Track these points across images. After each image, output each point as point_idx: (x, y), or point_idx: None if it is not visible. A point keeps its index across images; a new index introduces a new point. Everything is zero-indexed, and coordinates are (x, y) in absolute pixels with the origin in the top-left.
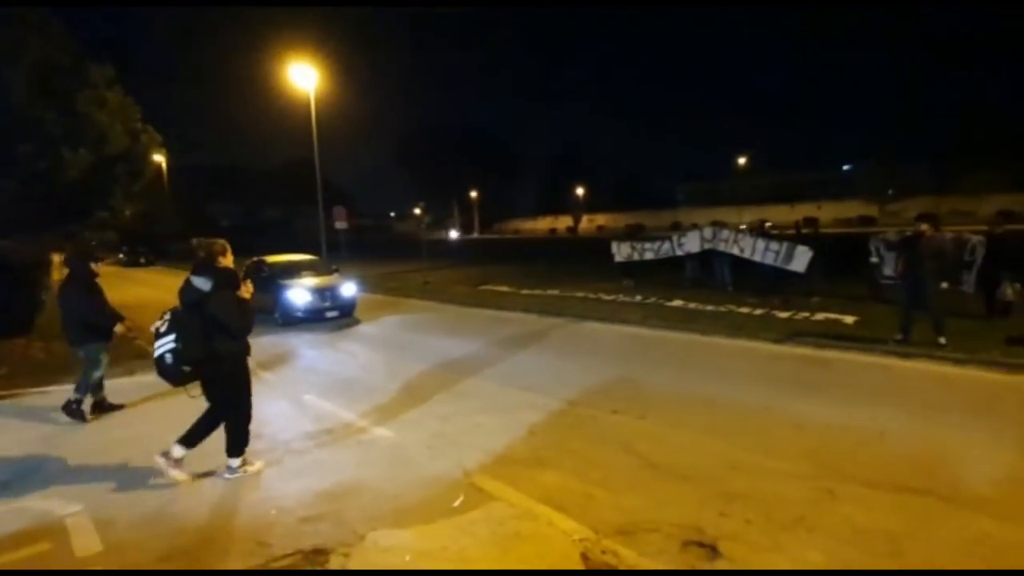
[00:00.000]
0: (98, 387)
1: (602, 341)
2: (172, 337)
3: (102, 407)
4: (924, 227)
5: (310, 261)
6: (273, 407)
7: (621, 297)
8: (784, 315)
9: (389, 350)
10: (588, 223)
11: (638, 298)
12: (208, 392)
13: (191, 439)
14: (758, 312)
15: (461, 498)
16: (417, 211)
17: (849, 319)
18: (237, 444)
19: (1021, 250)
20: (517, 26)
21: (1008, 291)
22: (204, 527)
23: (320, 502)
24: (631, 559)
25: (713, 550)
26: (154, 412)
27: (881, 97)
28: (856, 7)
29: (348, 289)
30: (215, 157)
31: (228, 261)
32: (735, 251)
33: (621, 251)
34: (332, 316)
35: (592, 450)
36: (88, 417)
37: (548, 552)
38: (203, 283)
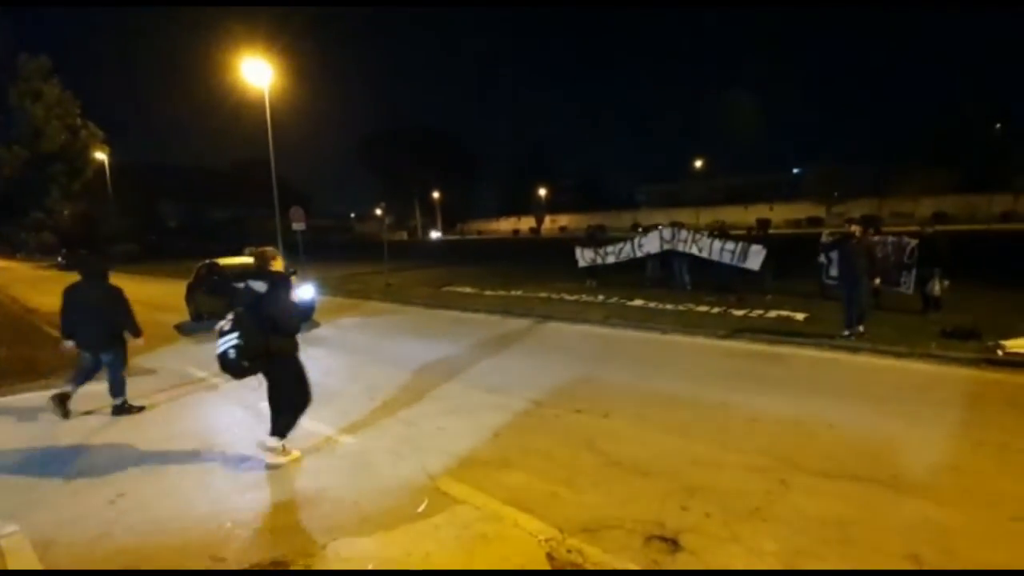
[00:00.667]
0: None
1: (565, 341)
2: (236, 335)
3: (65, 404)
4: (853, 228)
5: None
6: (228, 416)
7: (584, 297)
8: (740, 313)
9: (350, 354)
10: (551, 224)
11: (600, 298)
12: (271, 385)
13: (280, 428)
14: (715, 310)
15: (425, 503)
16: (378, 212)
17: (800, 316)
18: (282, 428)
19: (950, 249)
20: (482, 25)
21: (936, 287)
22: (152, 544)
23: (278, 513)
24: (596, 556)
25: (674, 543)
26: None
27: (830, 103)
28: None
29: (306, 292)
30: (163, 156)
31: (279, 265)
32: (693, 251)
33: (584, 256)
34: None
35: (556, 450)
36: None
37: (514, 553)
38: (260, 286)
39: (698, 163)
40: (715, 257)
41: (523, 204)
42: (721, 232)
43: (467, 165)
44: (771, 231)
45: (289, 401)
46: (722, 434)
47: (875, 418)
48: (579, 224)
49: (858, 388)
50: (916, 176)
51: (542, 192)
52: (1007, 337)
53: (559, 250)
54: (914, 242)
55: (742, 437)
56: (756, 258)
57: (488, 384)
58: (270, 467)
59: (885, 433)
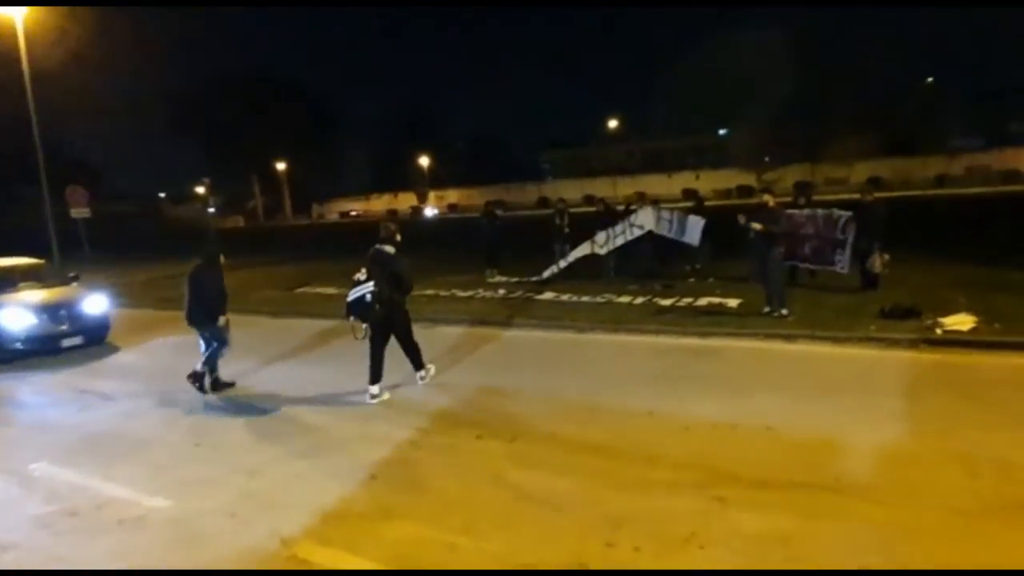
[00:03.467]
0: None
1: (459, 350)
2: (372, 284)
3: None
4: (766, 198)
5: (30, 267)
6: None
7: (481, 292)
8: (667, 302)
9: (166, 386)
10: (437, 201)
11: (501, 292)
12: (389, 330)
13: (418, 364)
14: (639, 301)
15: None
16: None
17: (733, 302)
18: (418, 359)
19: (890, 219)
20: None
21: (876, 262)
22: None
23: None
24: None
25: None
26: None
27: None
28: None
29: (95, 304)
30: None
31: (398, 237)
32: (637, 230)
33: (601, 241)
34: (72, 344)
35: (453, 488)
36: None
37: None
38: (390, 249)
39: (612, 124)
40: (660, 229)
41: (401, 178)
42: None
43: (326, 129)
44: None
45: (411, 341)
46: (650, 448)
47: (814, 414)
48: (472, 201)
49: (795, 381)
50: (848, 140)
51: (424, 162)
52: (946, 313)
53: (451, 235)
54: (846, 215)
55: (673, 449)
56: (694, 230)
57: (361, 410)
58: (429, 380)
59: (825, 430)
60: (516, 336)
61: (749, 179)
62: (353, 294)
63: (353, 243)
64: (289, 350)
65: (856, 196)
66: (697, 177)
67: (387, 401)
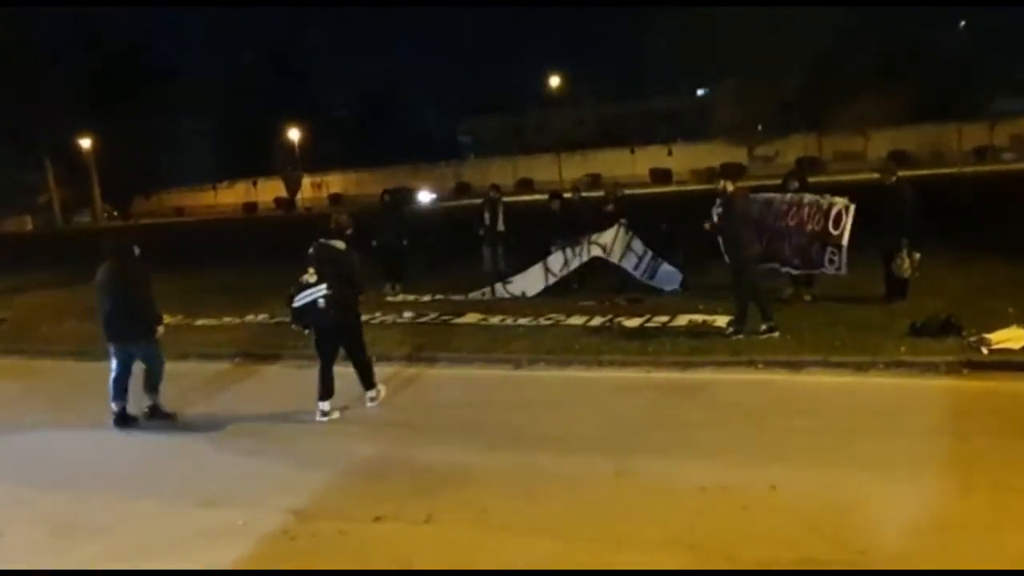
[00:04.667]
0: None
1: (353, 396)
2: (324, 286)
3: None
4: (726, 184)
5: None
6: None
7: (380, 316)
8: (634, 323)
9: None
10: (315, 191)
11: (408, 316)
12: (341, 337)
13: (369, 382)
14: (596, 322)
15: None
16: None
17: (721, 320)
18: (369, 378)
19: (919, 206)
20: None
21: (904, 264)
22: None
23: None
24: None
25: None
26: None
27: None
28: None
29: None
30: None
31: (349, 231)
32: (595, 249)
33: (553, 265)
34: None
35: None
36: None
37: None
38: (340, 245)
39: (554, 82)
40: (620, 261)
41: (263, 160)
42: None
43: (155, 93)
44: (674, 187)
45: (363, 352)
46: (618, 522)
47: (830, 468)
48: (365, 189)
49: (805, 423)
50: (865, 102)
51: (294, 136)
52: (992, 327)
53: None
54: (840, 202)
55: (649, 522)
56: (669, 279)
57: (207, 490)
58: (381, 404)
59: (846, 489)
60: (431, 376)
61: (738, 155)
62: (301, 299)
63: (199, 251)
64: (100, 406)
65: (875, 176)
66: (669, 153)
67: (234, 479)
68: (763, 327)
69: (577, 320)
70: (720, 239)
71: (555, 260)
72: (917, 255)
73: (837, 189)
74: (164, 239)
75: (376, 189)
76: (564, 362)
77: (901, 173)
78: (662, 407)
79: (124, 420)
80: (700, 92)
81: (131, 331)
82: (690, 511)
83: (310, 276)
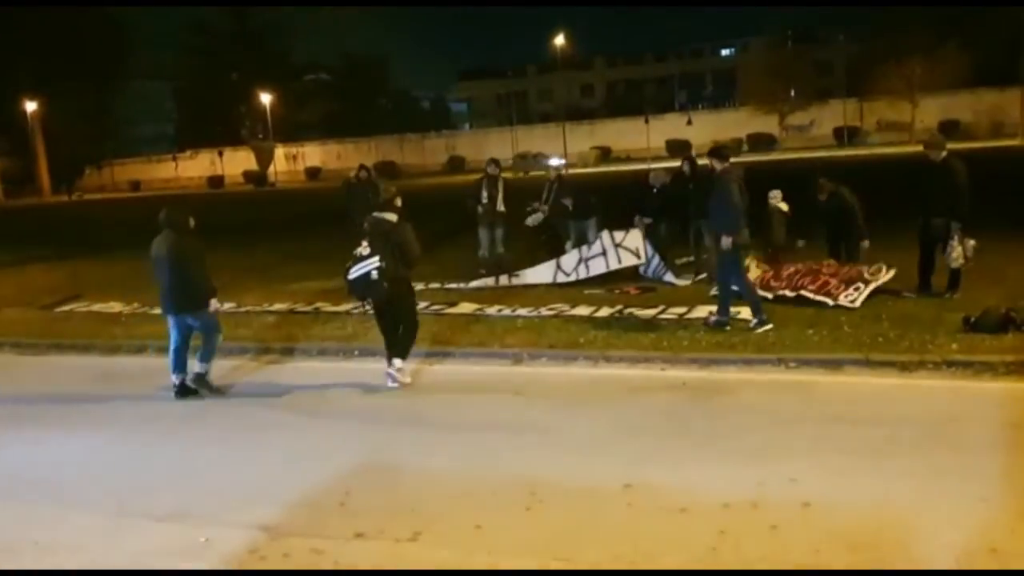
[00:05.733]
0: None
1: (327, 396)
2: (376, 258)
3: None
4: (713, 163)
5: None
6: None
7: (324, 306)
8: (647, 314)
9: None
10: (289, 164)
11: None
12: (395, 309)
13: (404, 350)
14: (605, 312)
15: None
16: None
17: (746, 311)
18: (407, 349)
19: (974, 186)
20: None
21: (956, 251)
22: None
23: None
24: None
25: None
26: None
27: None
28: None
29: None
30: None
31: (399, 202)
32: (629, 257)
33: (565, 266)
34: None
35: None
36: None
37: None
38: (392, 217)
39: (558, 41)
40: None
41: (229, 128)
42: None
43: (109, 52)
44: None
45: (414, 324)
46: (628, 544)
47: (872, 483)
48: (347, 162)
49: (843, 432)
50: (912, 63)
51: (265, 101)
52: None
53: (312, 218)
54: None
55: (662, 544)
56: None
57: (162, 505)
58: (402, 386)
59: (889, 508)
60: (419, 373)
61: (768, 123)
62: (356, 271)
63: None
64: (44, 409)
65: (920, 150)
66: (689, 122)
67: (195, 489)
68: (713, 319)
69: (583, 310)
70: (702, 224)
71: (569, 260)
72: (971, 242)
73: (877, 164)
74: (122, 215)
75: (356, 162)
76: (568, 358)
77: (952, 146)
78: (679, 410)
79: (184, 391)
80: (725, 52)
81: (188, 302)
82: (712, 531)
83: (363, 249)
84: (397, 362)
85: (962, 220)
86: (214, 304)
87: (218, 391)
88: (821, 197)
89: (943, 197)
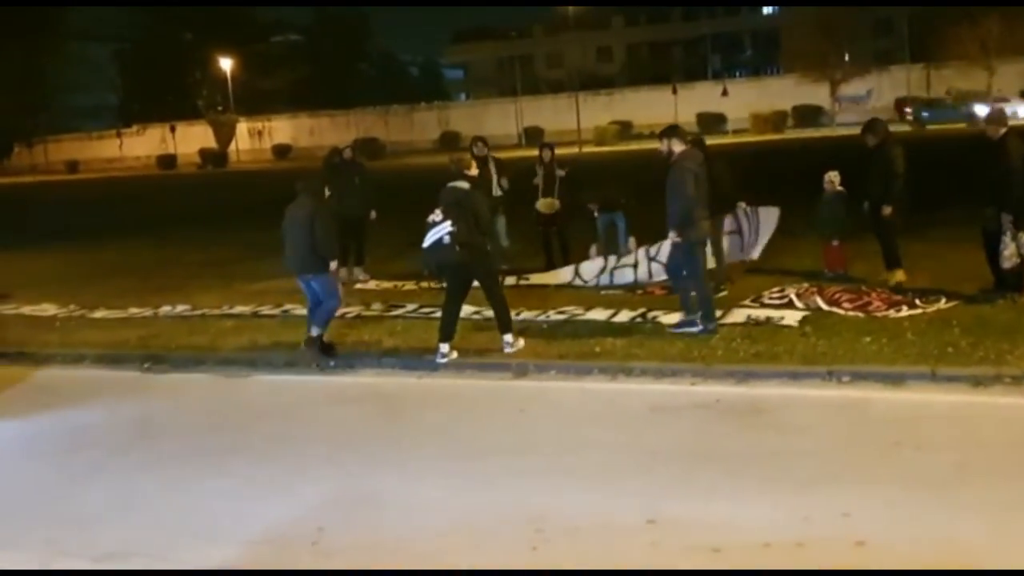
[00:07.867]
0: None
1: (293, 416)
2: (448, 223)
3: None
4: (671, 144)
5: None
6: None
7: (294, 309)
8: (673, 319)
9: None
10: (254, 140)
11: (376, 307)
12: (467, 276)
13: (506, 324)
14: (625, 317)
15: None
16: None
17: (792, 318)
18: (506, 323)
19: None
20: None
21: (1011, 250)
22: None
23: None
24: None
25: None
26: None
27: None
28: None
29: None
30: None
31: (474, 171)
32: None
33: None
34: None
35: None
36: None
37: None
38: (464, 185)
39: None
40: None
41: (183, 98)
42: None
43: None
44: (731, 140)
45: (500, 298)
46: None
47: (935, 519)
48: (321, 139)
49: (904, 459)
50: (988, 22)
51: (225, 67)
52: None
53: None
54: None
55: None
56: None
57: (103, 542)
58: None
59: (954, 547)
60: (407, 387)
61: (817, 93)
62: (429, 238)
63: (97, 220)
64: None
65: (981, 128)
66: (724, 92)
67: (141, 525)
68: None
69: (599, 314)
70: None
71: (590, 267)
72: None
73: (950, 141)
74: (49, 200)
75: (331, 139)
76: (581, 370)
77: (1012, 123)
78: (711, 433)
79: (325, 349)
80: (766, 10)
81: (309, 264)
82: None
83: (436, 215)
84: (508, 337)
85: (1012, 211)
86: (334, 266)
87: (332, 350)
88: (872, 143)
89: (995, 183)
